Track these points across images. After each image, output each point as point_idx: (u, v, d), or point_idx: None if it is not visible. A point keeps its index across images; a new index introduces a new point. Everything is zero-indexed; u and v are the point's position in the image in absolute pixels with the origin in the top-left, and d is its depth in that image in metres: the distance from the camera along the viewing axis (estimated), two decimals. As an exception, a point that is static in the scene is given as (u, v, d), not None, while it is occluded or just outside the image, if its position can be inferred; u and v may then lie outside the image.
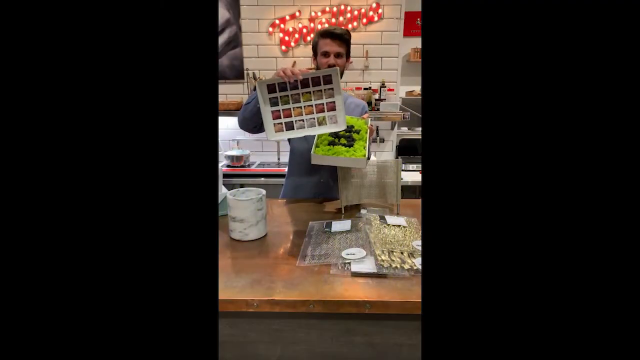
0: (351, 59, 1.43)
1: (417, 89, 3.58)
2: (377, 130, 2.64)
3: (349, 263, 0.86)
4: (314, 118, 1.16)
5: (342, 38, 1.33)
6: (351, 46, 1.40)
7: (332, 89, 1.14)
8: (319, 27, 2.44)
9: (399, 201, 1.27)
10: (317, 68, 1.39)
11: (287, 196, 1.52)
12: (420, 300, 0.70)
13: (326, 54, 1.34)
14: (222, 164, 2.49)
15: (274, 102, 1.14)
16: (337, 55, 1.34)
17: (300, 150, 1.45)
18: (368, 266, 0.84)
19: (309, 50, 2.49)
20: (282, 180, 2.31)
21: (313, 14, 2.44)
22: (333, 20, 2.43)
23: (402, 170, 2.49)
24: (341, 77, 1.38)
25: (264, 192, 1.05)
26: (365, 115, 1.31)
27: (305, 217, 1.22)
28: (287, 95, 1.13)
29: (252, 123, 1.29)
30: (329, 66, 1.32)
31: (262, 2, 2.43)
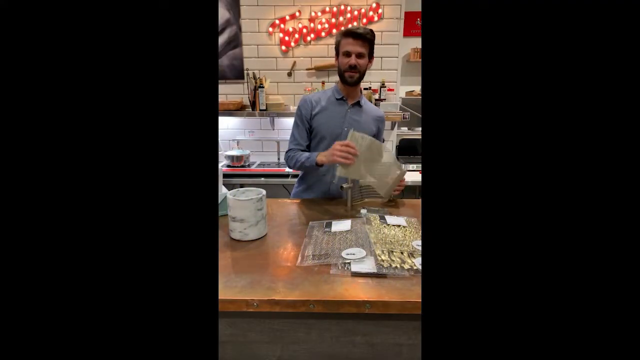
0: (373, 58, 1.43)
1: (417, 89, 3.58)
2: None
3: (349, 263, 0.86)
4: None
5: (365, 38, 1.31)
6: (374, 46, 1.39)
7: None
8: (319, 27, 2.45)
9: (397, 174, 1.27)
10: (339, 67, 1.38)
11: (298, 196, 1.51)
12: (420, 300, 0.70)
13: (348, 54, 1.33)
14: (222, 164, 2.49)
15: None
16: (359, 55, 1.32)
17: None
18: (368, 266, 0.84)
19: (309, 50, 2.50)
20: (282, 180, 2.33)
21: (313, 14, 2.44)
22: (333, 20, 2.43)
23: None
24: (362, 77, 1.40)
25: (264, 192, 1.05)
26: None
27: (305, 217, 1.22)
28: None
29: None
30: (350, 66, 1.33)
31: (262, 2, 2.43)
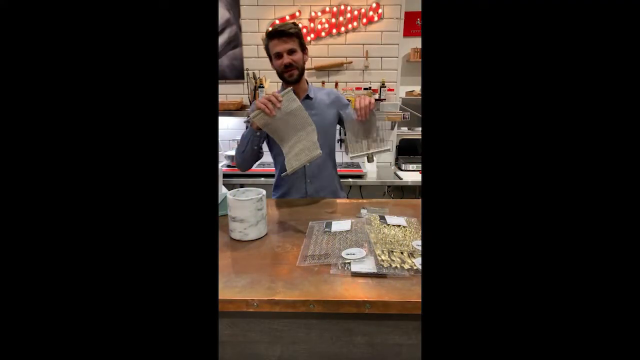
0: (307, 51, 1.39)
1: (417, 89, 3.58)
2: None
3: (349, 263, 0.86)
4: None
5: (287, 33, 1.27)
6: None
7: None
8: (319, 27, 2.45)
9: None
10: (276, 70, 1.35)
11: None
12: (420, 300, 0.70)
13: (278, 55, 1.29)
14: (222, 164, 2.49)
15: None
16: (290, 52, 1.29)
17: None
18: (368, 266, 0.84)
19: (309, 50, 2.49)
20: (282, 180, 2.32)
21: (313, 14, 2.44)
22: (333, 20, 2.43)
23: (402, 170, 2.50)
24: (303, 72, 1.35)
25: (264, 192, 1.05)
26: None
27: (305, 217, 1.22)
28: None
29: (251, 164, 1.36)
30: (285, 66, 1.30)
31: (262, 2, 2.43)
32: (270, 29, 1.30)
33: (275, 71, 1.37)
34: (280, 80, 1.40)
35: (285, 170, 1.17)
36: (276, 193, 1.52)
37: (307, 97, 1.42)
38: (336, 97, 1.47)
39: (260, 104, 1.12)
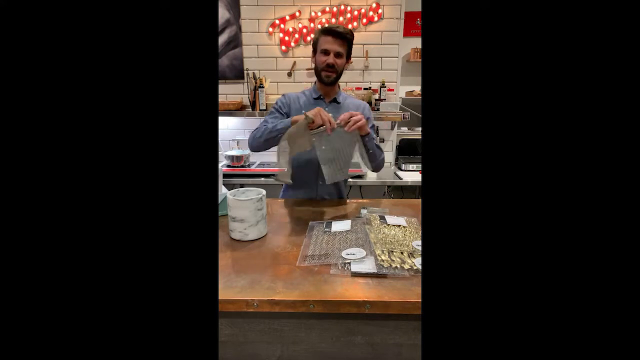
0: (352, 59, 1.42)
1: (417, 89, 3.58)
2: (377, 129, 2.63)
3: (349, 263, 0.86)
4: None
5: (344, 37, 1.30)
6: (353, 45, 1.37)
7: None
8: (319, 27, 2.45)
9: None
10: (316, 66, 1.38)
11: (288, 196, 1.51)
12: (420, 300, 0.70)
13: (326, 52, 1.32)
14: (222, 164, 2.49)
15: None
16: (337, 54, 1.32)
17: (302, 159, 1.39)
18: (368, 266, 0.84)
19: (309, 50, 2.49)
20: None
21: (313, 14, 2.44)
22: (333, 20, 2.43)
23: (402, 170, 2.51)
24: (340, 77, 1.38)
25: (264, 192, 1.05)
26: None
27: (305, 217, 1.22)
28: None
29: (268, 146, 1.32)
30: (327, 65, 1.32)
31: (262, 2, 2.43)
32: (326, 25, 1.34)
33: (314, 68, 1.39)
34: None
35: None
36: (287, 188, 1.51)
37: (335, 100, 1.45)
38: (360, 105, 1.48)
39: (325, 120, 1.11)
